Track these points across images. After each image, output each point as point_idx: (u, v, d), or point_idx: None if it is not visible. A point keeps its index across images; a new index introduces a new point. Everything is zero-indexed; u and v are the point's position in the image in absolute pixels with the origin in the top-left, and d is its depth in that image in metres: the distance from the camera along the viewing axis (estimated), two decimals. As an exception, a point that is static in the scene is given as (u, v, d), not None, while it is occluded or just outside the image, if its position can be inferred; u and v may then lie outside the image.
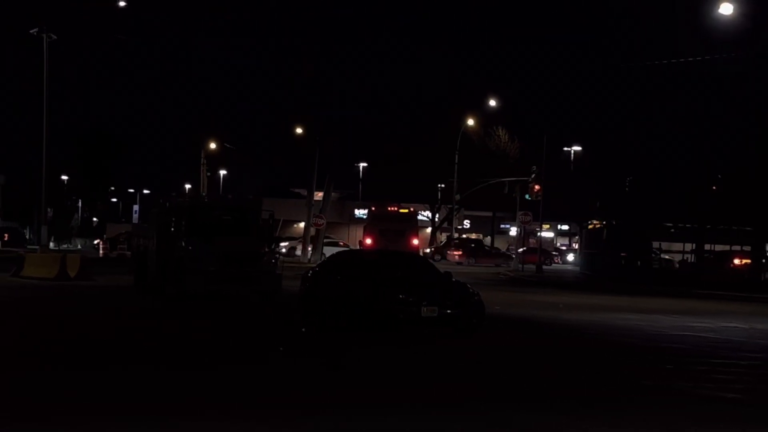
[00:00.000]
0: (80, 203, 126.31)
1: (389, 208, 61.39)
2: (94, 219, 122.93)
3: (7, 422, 10.84)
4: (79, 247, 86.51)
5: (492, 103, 72.84)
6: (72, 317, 23.18)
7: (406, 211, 60.99)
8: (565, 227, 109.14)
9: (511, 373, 15.98)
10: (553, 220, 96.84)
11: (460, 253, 75.11)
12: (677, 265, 58.08)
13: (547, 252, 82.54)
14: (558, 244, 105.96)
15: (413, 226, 60.40)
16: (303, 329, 20.95)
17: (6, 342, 18.18)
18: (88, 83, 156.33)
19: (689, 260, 55.78)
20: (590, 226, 61.58)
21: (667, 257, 60.78)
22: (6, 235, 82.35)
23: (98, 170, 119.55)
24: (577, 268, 64.84)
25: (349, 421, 11.46)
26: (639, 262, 53.83)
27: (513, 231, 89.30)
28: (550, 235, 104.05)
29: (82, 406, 11.86)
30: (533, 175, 65.08)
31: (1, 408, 11.64)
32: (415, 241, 58.29)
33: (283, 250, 66.58)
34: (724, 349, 20.19)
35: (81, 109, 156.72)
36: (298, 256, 65.75)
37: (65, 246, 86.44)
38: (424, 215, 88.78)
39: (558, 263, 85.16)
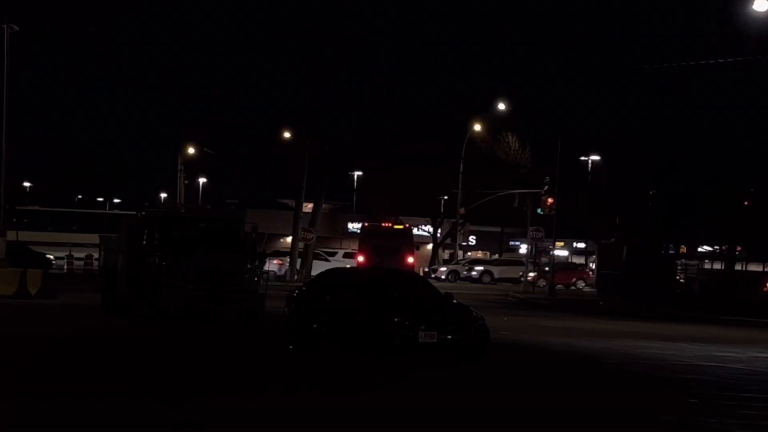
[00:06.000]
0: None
1: (383, 224, 61.89)
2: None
3: None
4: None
5: (501, 106, 72.63)
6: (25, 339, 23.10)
7: (401, 227, 61.30)
8: (581, 245, 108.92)
9: (520, 410, 15.94)
10: (568, 237, 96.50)
11: None
12: (703, 287, 57.92)
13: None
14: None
15: (409, 242, 60.52)
16: (291, 349, 21.11)
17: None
18: (55, 82, 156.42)
19: (718, 282, 55.65)
20: (608, 244, 61.53)
21: (693, 278, 60.69)
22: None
23: (65, 178, 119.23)
24: (593, 290, 64.73)
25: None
26: (662, 285, 53.69)
27: (523, 248, 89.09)
28: (564, 253, 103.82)
29: None
30: (546, 187, 64.82)
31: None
32: (411, 259, 58.48)
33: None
34: (754, 382, 20.13)
35: (49, 112, 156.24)
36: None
37: None
38: (425, 230, 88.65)
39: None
